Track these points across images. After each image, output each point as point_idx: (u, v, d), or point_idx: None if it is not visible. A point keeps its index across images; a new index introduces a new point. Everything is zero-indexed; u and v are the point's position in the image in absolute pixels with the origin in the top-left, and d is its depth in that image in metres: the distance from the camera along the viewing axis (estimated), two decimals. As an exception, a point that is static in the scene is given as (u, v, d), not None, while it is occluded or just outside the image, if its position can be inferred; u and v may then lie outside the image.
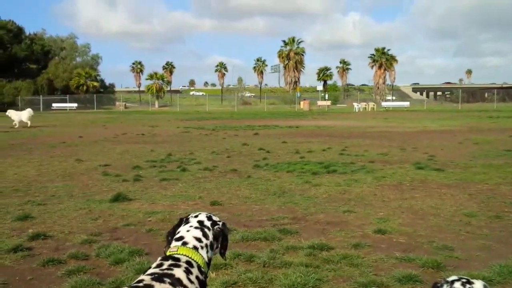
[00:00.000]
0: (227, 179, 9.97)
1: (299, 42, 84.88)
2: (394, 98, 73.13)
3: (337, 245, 5.42)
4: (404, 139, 18.62)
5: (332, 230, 6.05)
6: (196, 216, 2.53)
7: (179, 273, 2.19)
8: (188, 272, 2.22)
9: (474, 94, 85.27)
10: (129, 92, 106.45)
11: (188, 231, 2.44)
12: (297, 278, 4.25)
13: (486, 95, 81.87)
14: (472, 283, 2.05)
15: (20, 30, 63.50)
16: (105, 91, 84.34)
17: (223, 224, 2.53)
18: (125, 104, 73.11)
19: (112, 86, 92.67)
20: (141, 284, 2.09)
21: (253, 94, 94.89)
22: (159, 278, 2.13)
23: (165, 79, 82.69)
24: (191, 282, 2.19)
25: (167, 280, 2.13)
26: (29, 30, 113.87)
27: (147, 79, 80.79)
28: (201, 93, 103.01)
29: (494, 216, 6.64)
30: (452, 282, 2.08)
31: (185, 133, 23.56)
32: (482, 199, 7.79)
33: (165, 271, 2.19)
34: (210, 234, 2.44)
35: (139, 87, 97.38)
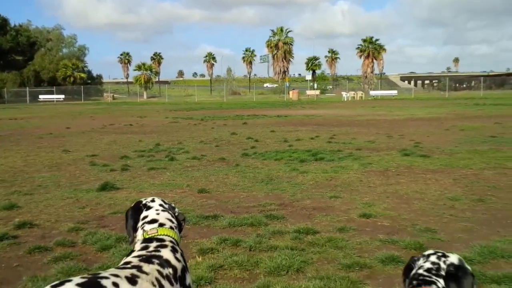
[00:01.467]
0: (215, 168, 10.00)
1: (288, 32, 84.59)
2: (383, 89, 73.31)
3: (322, 229, 5.49)
4: (392, 127, 18.76)
5: (318, 215, 6.13)
6: (152, 201, 2.52)
7: (166, 253, 2.20)
8: (174, 251, 2.25)
9: (461, 82, 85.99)
10: (117, 83, 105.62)
11: (158, 214, 2.44)
12: (282, 260, 4.32)
13: (473, 83, 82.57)
14: (448, 256, 2.10)
15: (4, 21, 62.41)
16: (93, 83, 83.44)
17: (173, 206, 2.62)
18: (113, 95, 72.41)
19: (99, 77, 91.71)
20: (129, 266, 2.08)
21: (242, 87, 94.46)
22: (147, 259, 2.13)
23: (153, 70, 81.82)
24: (179, 260, 2.22)
25: (156, 261, 2.13)
26: (14, 21, 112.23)
27: (135, 70, 79.85)
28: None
29: (477, 199, 6.77)
30: (428, 255, 2.13)
31: (174, 123, 23.49)
32: (466, 183, 7.92)
33: (153, 252, 2.20)
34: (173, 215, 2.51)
35: (127, 78, 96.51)
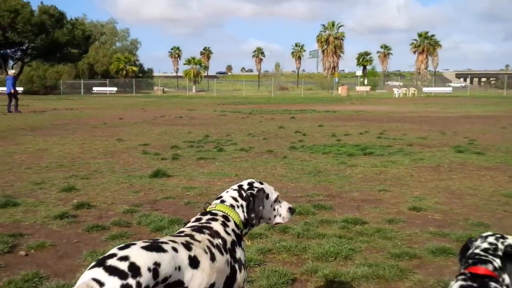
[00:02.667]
0: (263, 159, 10.10)
1: (339, 27, 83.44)
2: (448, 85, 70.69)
3: (371, 220, 5.46)
4: (445, 124, 18.19)
5: (367, 207, 6.09)
6: (241, 182, 2.70)
7: (216, 226, 2.36)
8: (224, 225, 2.39)
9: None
10: (167, 77, 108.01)
11: (227, 192, 2.63)
12: (330, 247, 4.34)
13: (533, 81, 78.30)
14: (506, 238, 2.10)
15: (61, 15, 65.10)
16: (144, 76, 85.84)
17: (258, 190, 2.60)
18: (163, 89, 74.29)
19: (150, 71, 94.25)
20: (182, 234, 2.27)
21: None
22: (198, 229, 2.31)
23: (203, 64, 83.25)
24: (228, 234, 2.37)
25: (206, 231, 2.30)
26: (70, 15, 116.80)
27: (184, 64, 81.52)
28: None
29: (535, 197, 6.49)
30: (486, 236, 2.14)
31: (222, 116, 23.83)
32: (523, 181, 7.60)
33: (204, 224, 2.37)
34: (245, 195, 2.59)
35: (176, 72, 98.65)
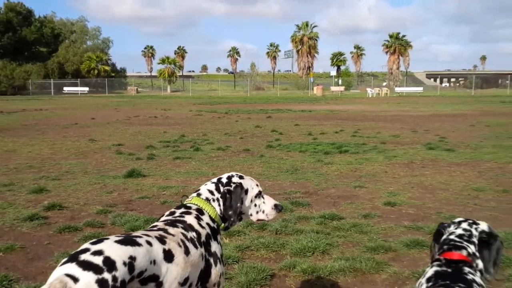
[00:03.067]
0: (240, 158, 10.09)
1: (313, 27, 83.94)
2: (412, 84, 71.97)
3: (347, 215, 5.52)
4: (417, 122, 18.54)
5: (343, 203, 6.16)
6: (221, 176, 2.62)
7: (190, 219, 2.32)
8: (198, 218, 2.35)
9: (488, 80, 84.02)
10: (141, 76, 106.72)
11: (205, 185, 2.58)
12: (308, 242, 4.37)
13: (499, 81, 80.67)
14: (478, 224, 2.15)
15: (29, 12, 63.28)
16: (117, 76, 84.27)
17: (236, 186, 2.51)
18: (137, 89, 73.24)
19: (123, 70, 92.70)
20: (155, 228, 2.23)
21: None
22: (172, 223, 2.27)
23: (177, 64, 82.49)
24: (202, 227, 2.33)
25: (180, 225, 2.26)
26: (38, 12, 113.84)
27: (159, 63, 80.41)
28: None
29: (502, 190, 6.70)
30: (460, 222, 2.17)
31: (198, 116, 23.70)
32: (491, 175, 7.83)
33: (177, 217, 2.33)
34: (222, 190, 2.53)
35: (150, 71, 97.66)
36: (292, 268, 3.88)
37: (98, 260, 1.74)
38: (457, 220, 2.21)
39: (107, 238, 1.91)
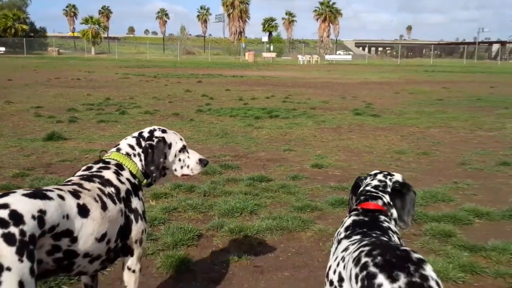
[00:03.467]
0: (169, 122, 9.83)
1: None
2: (341, 52, 73.69)
3: (276, 177, 5.58)
4: (345, 89, 19.07)
5: (272, 166, 6.21)
6: (143, 130, 2.48)
7: (108, 174, 2.20)
8: (117, 174, 2.23)
9: (413, 50, 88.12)
10: (63, 37, 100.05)
11: (125, 139, 2.44)
12: (236, 203, 4.36)
13: (424, 51, 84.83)
14: (393, 175, 2.22)
15: None
16: (36, 36, 78.62)
17: (158, 140, 2.39)
18: (58, 50, 68.78)
19: (43, 30, 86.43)
20: (69, 183, 2.08)
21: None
22: (88, 178, 2.13)
23: (102, 24, 78.05)
24: (122, 182, 2.21)
25: (97, 180, 2.13)
26: None
27: (82, 23, 75.60)
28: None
29: (422, 153, 7.09)
30: (375, 174, 2.23)
31: (125, 79, 22.75)
32: (412, 139, 8.26)
33: (94, 172, 2.19)
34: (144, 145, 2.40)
35: (73, 32, 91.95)
36: (220, 228, 3.86)
37: (3, 214, 1.60)
38: (373, 172, 2.27)
39: (14, 192, 1.75)
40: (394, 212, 2.07)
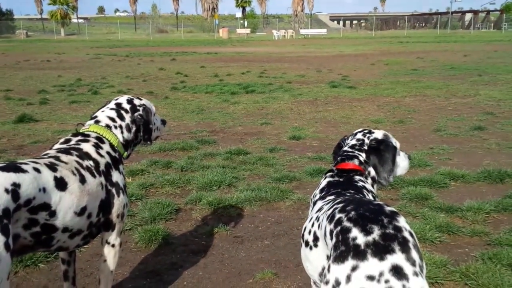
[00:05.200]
0: (143, 100, 9.66)
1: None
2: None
3: (253, 150, 5.55)
4: (321, 63, 19.03)
5: (250, 139, 6.18)
6: (116, 99, 2.41)
7: (87, 147, 2.12)
8: (97, 146, 2.16)
9: (387, 22, 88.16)
10: (31, 19, 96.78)
11: (103, 111, 2.35)
12: (214, 177, 4.33)
13: (398, 22, 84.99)
14: (373, 132, 2.16)
15: None
16: (2, 18, 75.94)
17: (144, 109, 2.38)
18: (26, 32, 66.50)
19: (9, 12, 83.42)
20: (46, 156, 2.00)
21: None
22: (65, 151, 2.05)
23: (70, 5, 75.64)
24: (101, 156, 2.14)
25: (74, 153, 2.05)
26: None
27: (49, 4, 73.12)
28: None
29: (398, 121, 7.16)
30: (356, 133, 2.20)
31: (96, 59, 22.20)
32: (388, 109, 8.31)
33: (73, 145, 2.11)
34: (127, 116, 2.34)
35: (41, 14, 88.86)
36: (198, 202, 3.83)
37: None
38: (356, 131, 2.23)
39: None
40: (371, 171, 2.03)
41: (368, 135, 2.13)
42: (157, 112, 2.67)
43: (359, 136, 2.15)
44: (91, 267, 2.91)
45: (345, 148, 2.12)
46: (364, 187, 1.90)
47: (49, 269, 2.90)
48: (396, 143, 2.16)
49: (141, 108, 2.37)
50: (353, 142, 2.12)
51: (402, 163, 2.23)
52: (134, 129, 2.36)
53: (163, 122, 2.63)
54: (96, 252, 2.95)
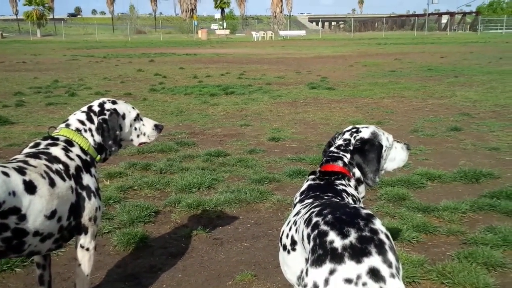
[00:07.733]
0: (121, 102, 9.56)
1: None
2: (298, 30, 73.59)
3: (233, 152, 5.55)
4: (300, 64, 19.13)
5: (229, 141, 6.17)
6: (91, 103, 2.38)
7: (56, 151, 2.10)
8: (66, 150, 2.13)
9: (366, 23, 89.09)
10: (5, 20, 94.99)
11: (74, 115, 2.32)
12: (193, 179, 4.31)
13: (376, 24, 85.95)
14: (360, 131, 2.08)
15: None
16: (-24, 19, 74.28)
17: (111, 113, 2.31)
18: (1, 33, 65.16)
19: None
20: (14, 161, 1.98)
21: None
22: (34, 155, 2.03)
23: (46, 5, 74.34)
24: (71, 159, 2.11)
25: (43, 157, 2.03)
26: None
27: (25, 5, 71.77)
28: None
29: (376, 122, 7.23)
30: (344, 132, 2.14)
31: (73, 60, 21.86)
32: (367, 110, 8.41)
33: (41, 149, 2.09)
34: (96, 119, 2.30)
35: (16, 14, 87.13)
36: (177, 204, 3.81)
37: None
38: (345, 129, 2.16)
39: None
40: (356, 172, 1.99)
41: (355, 134, 2.08)
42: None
43: (346, 135, 2.10)
44: (68, 271, 2.87)
45: (332, 149, 2.07)
46: (344, 191, 1.88)
47: (25, 274, 2.84)
48: (387, 138, 2.10)
49: (108, 113, 2.31)
50: (340, 142, 2.08)
51: (399, 155, 2.18)
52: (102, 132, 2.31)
53: (157, 127, 2.53)
54: (73, 256, 2.90)
